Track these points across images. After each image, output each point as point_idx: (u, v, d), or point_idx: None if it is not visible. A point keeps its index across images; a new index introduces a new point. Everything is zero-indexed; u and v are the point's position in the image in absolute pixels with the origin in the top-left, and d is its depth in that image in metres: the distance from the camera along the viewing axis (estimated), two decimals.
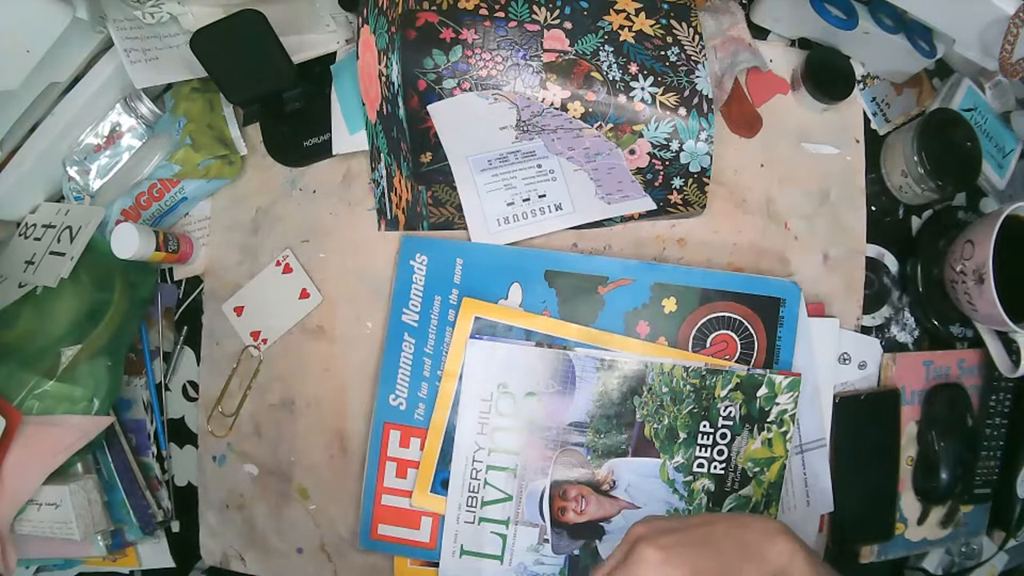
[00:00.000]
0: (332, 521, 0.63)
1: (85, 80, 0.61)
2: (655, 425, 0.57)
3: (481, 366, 0.58)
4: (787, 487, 0.59)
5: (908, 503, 0.64)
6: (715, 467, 0.57)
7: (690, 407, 0.57)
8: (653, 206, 0.60)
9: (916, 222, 0.66)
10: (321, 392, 0.63)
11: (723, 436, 0.57)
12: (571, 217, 0.61)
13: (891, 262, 0.65)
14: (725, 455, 0.57)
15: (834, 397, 0.61)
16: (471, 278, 0.59)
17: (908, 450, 0.63)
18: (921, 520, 0.64)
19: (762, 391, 0.57)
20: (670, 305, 0.59)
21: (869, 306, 0.64)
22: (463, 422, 0.58)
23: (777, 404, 0.57)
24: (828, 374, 0.60)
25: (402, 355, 0.60)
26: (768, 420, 0.57)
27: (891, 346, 0.64)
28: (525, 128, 0.57)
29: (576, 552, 0.58)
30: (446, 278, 0.60)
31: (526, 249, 0.60)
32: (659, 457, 0.57)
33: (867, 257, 0.64)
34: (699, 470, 0.57)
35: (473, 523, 0.58)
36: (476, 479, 0.58)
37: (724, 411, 0.57)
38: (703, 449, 0.57)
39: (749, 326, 0.58)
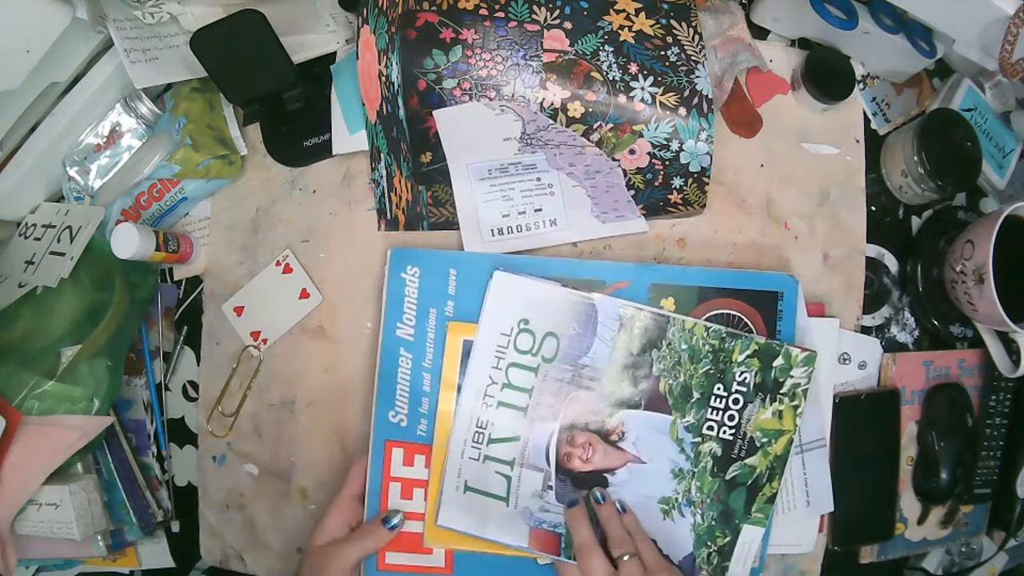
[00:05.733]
0: None
1: (85, 80, 0.61)
2: (670, 381, 0.57)
3: (505, 299, 0.56)
4: (787, 487, 0.59)
5: (908, 503, 0.64)
6: (724, 432, 0.56)
7: (706, 367, 0.56)
8: (646, 228, 0.61)
9: (916, 222, 0.66)
10: (321, 392, 0.63)
11: (735, 401, 0.56)
12: (565, 233, 0.61)
13: (891, 262, 0.65)
14: (736, 420, 0.56)
15: (834, 397, 0.61)
16: (466, 289, 0.58)
17: (908, 450, 0.63)
18: (921, 520, 0.64)
19: (778, 361, 0.56)
20: (668, 305, 0.58)
21: (869, 306, 0.64)
22: (479, 353, 0.56)
23: (791, 377, 0.56)
24: (828, 374, 0.60)
25: (399, 371, 0.58)
26: (781, 391, 0.56)
27: (891, 346, 0.64)
28: (529, 141, 0.57)
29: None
30: (440, 290, 0.58)
31: (521, 257, 0.60)
32: (671, 414, 0.57)
33: (867, 257, 0.64)
34: (708, 432, 0.56)
35: (478, 460, 0.57)
36: (485, 413, 0.57)
37: (739, 376, 0.56)
38: (715, 412, 0.56)
39: (748, 321, 0.58)
